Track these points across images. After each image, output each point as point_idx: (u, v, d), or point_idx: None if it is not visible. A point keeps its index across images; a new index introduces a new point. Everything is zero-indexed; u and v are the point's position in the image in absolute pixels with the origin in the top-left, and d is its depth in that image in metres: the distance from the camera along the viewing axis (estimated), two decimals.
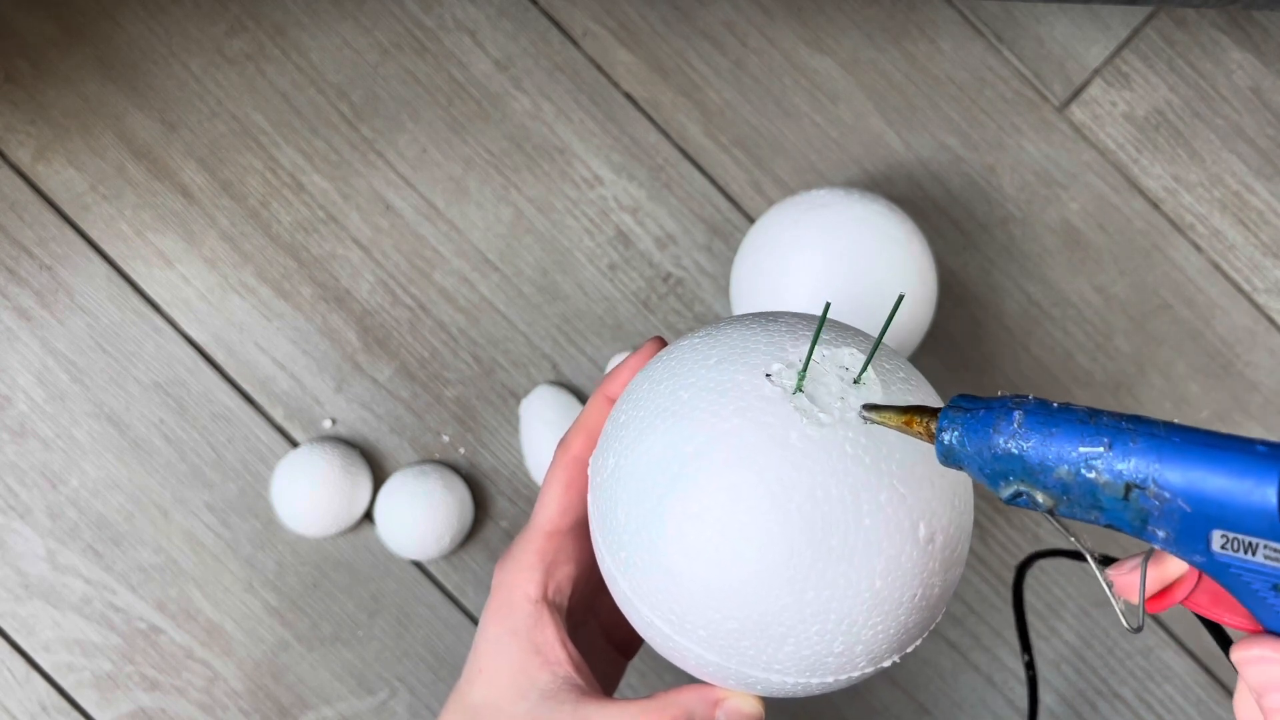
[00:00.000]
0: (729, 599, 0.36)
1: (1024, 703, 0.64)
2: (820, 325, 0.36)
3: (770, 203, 0.65)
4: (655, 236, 0.65)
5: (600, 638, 0.48)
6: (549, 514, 0.44)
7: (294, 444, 0.63)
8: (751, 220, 0.65)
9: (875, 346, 0.37)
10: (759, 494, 0.35)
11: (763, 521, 0.35)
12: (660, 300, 0.65)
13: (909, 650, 0.39)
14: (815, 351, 0.37)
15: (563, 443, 0.44)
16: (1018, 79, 0.66)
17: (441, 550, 0.62)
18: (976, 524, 0.64)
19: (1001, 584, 0.64)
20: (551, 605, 0.43)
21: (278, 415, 0.64)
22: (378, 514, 0.62)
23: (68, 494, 0.63)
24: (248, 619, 0.63)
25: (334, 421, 0.64)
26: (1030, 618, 0.64)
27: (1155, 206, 0.66)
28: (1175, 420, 0.41)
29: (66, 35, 0.64)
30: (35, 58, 0.64)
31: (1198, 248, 0.66)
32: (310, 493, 0.61)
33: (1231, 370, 0.65)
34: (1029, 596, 0.64)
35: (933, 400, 0.39)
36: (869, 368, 0.37)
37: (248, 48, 0.65)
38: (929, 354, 0.65)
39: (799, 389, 0.37)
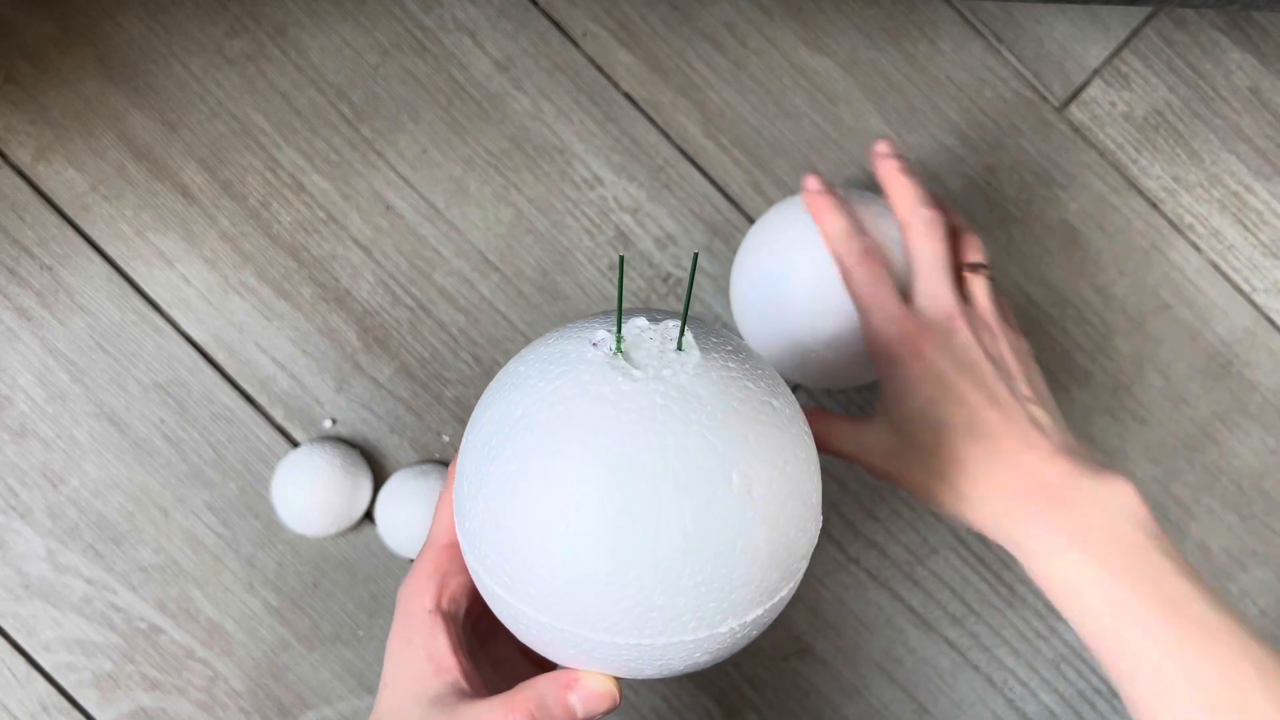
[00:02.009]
0: (550, 548, 0.37)
1: (1024, 703, 0.64)
2: (620, 277, 0.38)
3: (770, 203, 0.65)
4: (655, 236, 0.65)
5: (514, 651, 0.49)
6: (442, 527, 0.46)
7: (294, 444, 0.63)
8: (752, 220, 0.65)
9: (685, 310, 0.39)
10: (572, 444, 0.37)
11: (575, 467, 0.37)
12: (660, 300, 0.65)
13: (750, 619, 0.39)
14: (641, 325, 0.40)
15: (455, 460, 0.46)
16: (1017, 79, 0.66)
17: None
18: None
19: (1001, 584, 0.64)
20: (446, 615, 0.44)
21: (278, 415, 0.64)
22: (378, 514, 0.62)
23: (68, 494, 0.63)
24: (248, 618, 0.63)
25: (334, 421, 0.64)
26: (1030, 617, 0.65)
27: (1154, 207, 0.66)
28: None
29: (66, 35, 0.64)
30: (35, 58, 0.64)
31: (1197, 248, 0.66)
32: (310, 492, 0.61)
33: (1231, 370, 0.65)
34: (1027, 595, 0.65)
35: (761, 367, 0.42)
36: (686, 334, 0.40)
37: (248, 48, 0.65)
38: None
39: (618, 351, 0.39)
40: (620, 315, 0.39)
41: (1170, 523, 0.65)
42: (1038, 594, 0.64)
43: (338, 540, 0.63)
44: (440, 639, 0.44)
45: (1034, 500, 0.47)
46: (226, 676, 0.63)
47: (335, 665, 0.63)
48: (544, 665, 0.49)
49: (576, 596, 0.37)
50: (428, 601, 0.44)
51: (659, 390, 0.38)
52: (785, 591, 0.40)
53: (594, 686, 0.41)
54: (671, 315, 0.41)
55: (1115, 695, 0.64)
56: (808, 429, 0.42)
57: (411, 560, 0.63)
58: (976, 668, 0.64)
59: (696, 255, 0.40)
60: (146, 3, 0.65)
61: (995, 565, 0.65)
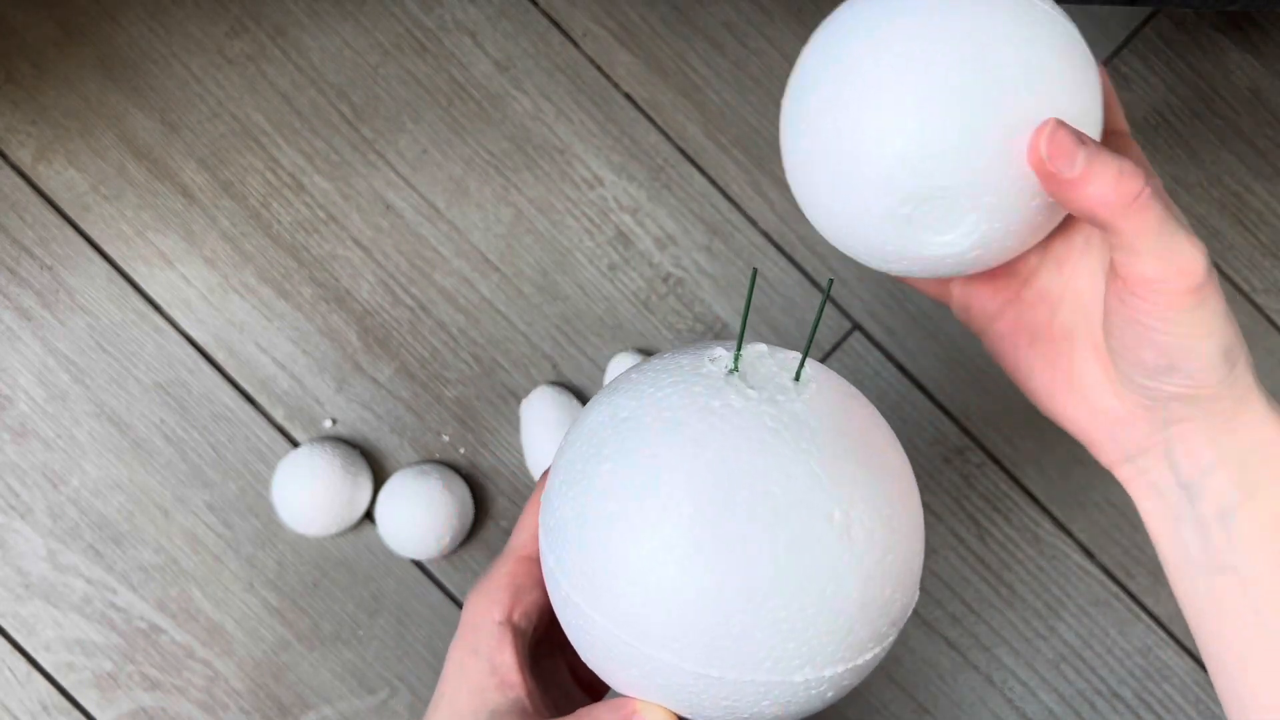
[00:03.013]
0: (634, 555, 0.36)
1: (1024, 703, 0.64)
2: (750, 289, 0.37)
3: (770, 203, 0.65)
4: (655, 236, 0.65)
5: (565, 675, 0.47)
6: (523, 539, 0.44)
7: (294, 444, 0.64)
8: (752, 221, 0.65)
9: (809, 340, 0.38)
10: (673, 452, 0.36)
11: (672, 476, 0.36)
12: (660, 300, 0.65)
13: (827, 675, 0.37)
14: (760, 351, 0.39)
15: (546, 471, 0.45)
16: None
17: (442, 550, 0.62)
18: (975, 522, 0.64)
19: (1001, 584, 0.65)
20: (515, 629, 0.42)
21: (278, 415, 0.64)
22: (378, 514, 0.62)
23: (68, 494, 0.63)
24: (248, 618, 0.63)
25: (334, 421, 0.64)
26: (1030, 617, 0.65)
27: None
28: None
29: (67, 35, 0.64)
30: (36, 58, 0.64)
31: None
32: (311, 492, 0.61)
33: None
34: (1027, 595, 0.65)
35: (880, 418, 0.39)
36: (806, 367, 0.38)
37: (248, 48, 0.65)
38: (928, 354, 0.65)
39: (735, 369, 0.38)
40: (743, 329, 0.38)
41: None
42: (1037, 593, 0.64)
43: (338, 540, 0.63)
44: (508, 654, 0.42)
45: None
46: (226, 676, 0.63)
47: (335, 665, 0.63)
48: (594, 691, 0.48)
49: (653, 610, 0.36)
50: (498, 613, 0.42)
51: (770, 413, 0.37)
52: (869, 656, 0.38)
53: (648, 718, 0.38)
54: (791, 351, 0.40)
55: (1115, 695, 0.64)
56: (917, 492, 0.40)
57: (412, 560, 0.63)
58: (976, 668, 0.64)
59: (830, 282, 0.38)
60: (147, 3, 0.65)
61: (995, 565, 0.65)
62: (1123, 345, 0.38)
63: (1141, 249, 0.36)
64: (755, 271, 0.37)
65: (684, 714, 0.39)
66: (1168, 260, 0.36)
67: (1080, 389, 0.41)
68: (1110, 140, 0.40)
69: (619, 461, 0.37)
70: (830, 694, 0.38)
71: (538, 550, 0.43)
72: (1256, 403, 0.38)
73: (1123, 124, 0.41)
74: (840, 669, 0.37)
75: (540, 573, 0.43)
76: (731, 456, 0.36)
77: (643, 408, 0.38)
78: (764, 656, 0.36)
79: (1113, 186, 0.35)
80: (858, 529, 0.36)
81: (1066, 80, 0.37)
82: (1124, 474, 0.41)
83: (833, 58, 0.39)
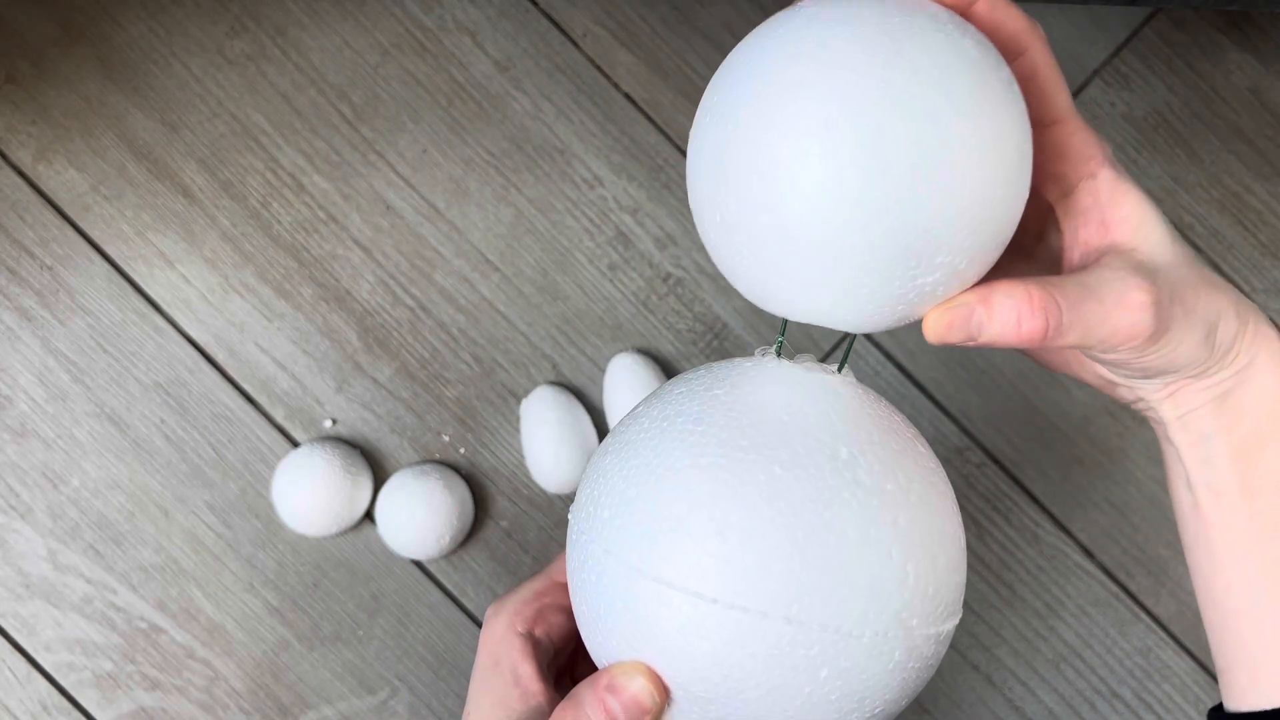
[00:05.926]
0: (650, 478, 0.36)
1: (1024, 703, 0.64)
2: (783, 327, 0.38)
3: None
4: (655, 236, 0.65)
5: None
6: (561, 565, 0.44)
7: (295, 444, 0.64)
8: None
9: (848, 349, 0.38)
10: (695, 389, 0.37)
11: (688, 405, 0.37)
12: (660, 300, 0.65)
13: (814, 629, 0.34)
14: (811, 357, 0.39)
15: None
16: None
17: (441, 550, 0.62)
18: (975, 522, 0.64)
19: (1001, 584, 0.65)
20: (536, 642, 0.42)
21: (278, 415, 0.64)
22: (378, 514, 0.62)
23: (69, 494, 0.63)
24: (248, 618, 0.63)
25: (334, 421, 0.64)
26: (1030, 617, 0.65)
27: None
28: None
29: (67, 35, 0.64)
30: (36, 58, 0.64)
31: (1197, 248, 0.66)
32: (311, 492, 0.61)
33: None
34: (1027, 595, 0.65)
35: (905, 421, 0.40)
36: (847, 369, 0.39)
37: (248, 48, 0.65)
38: (928, 354, 0.65)
39: (778, 354, 0.38)
40: (784, 328, 0.39)
41: (1169, 521, 0.65)
42: (1037, 594, 0.64)
43: (338, 540, 0.63)
44: (529, 664, 0.41)
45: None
46: (226, 676, 0.63)
47: (335, 665, 0.63)
48: None
49: (668, 537, 0.35)
50: (520, 624, 0.42)
51: (799, 374, 0.37)
52: (869, 634, 0.34)
53: (632, 689, 0.37)
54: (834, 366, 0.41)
55: (1114, 695, 0.64)
56: (953, 500, 0.38)
57: (412, 560, 0.63)
58: (976, 668, 0.64)
59: (854, 338, 0.38)
60: (147, 3, 0.65)
61: (995, 565, 0.65)
62: (1107, 365, 0.40)
63: (1085, 346, 0.37)
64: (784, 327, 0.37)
65: (671, 672, 0.36)
66: (1111, 340, 0.36)
67: (1076, 358, 0.42)
68: (1053, 131, 0.40)
69: (647, 404, 0.38)
70: (824, 672, 0.34)
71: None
72: (1241, 351, 0.40)
73: (1059, 110, 0.39)
74: (830, 631, 0.34)
75: (569, 602, 0.43)
76: (750, 393, 0.36)
77: (676, 380, 0.39)
78: (749, 581, 0.34)
79: (1016, 335, 0.35)
80: (864, 474, 0.35)
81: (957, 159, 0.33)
82: (1130, 407, 0.44)
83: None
